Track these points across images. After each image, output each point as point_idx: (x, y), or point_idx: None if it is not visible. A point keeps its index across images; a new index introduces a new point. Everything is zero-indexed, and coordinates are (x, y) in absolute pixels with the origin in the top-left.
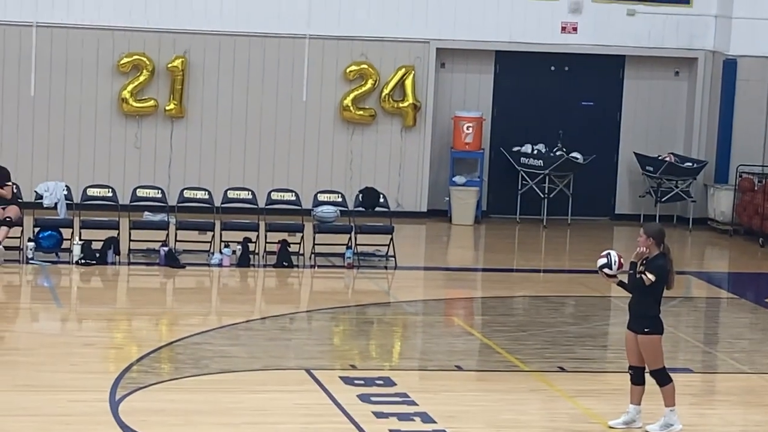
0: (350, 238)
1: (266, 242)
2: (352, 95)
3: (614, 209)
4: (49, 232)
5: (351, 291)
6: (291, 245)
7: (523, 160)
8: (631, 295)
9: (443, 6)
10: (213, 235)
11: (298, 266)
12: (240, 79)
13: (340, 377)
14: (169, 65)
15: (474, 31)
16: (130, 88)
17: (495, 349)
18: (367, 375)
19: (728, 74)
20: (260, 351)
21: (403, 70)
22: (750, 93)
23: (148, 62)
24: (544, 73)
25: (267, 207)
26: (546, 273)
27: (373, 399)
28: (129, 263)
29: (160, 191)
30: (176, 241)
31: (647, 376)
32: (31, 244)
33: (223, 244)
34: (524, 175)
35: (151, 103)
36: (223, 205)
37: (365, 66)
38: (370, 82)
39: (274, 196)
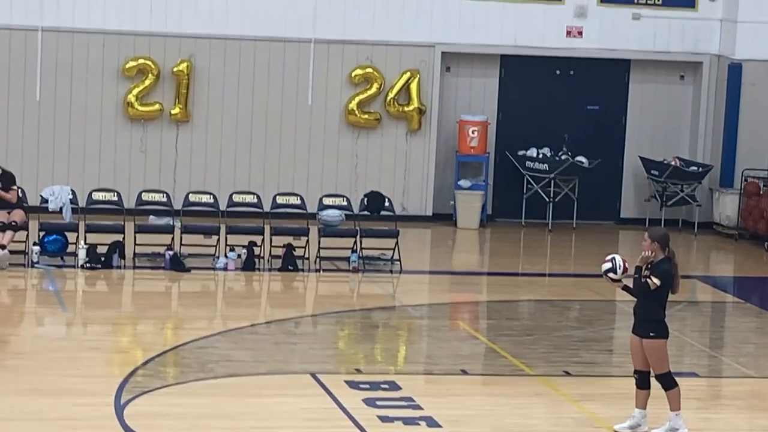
0: (355, 242)
1: (271, 246)
2: (357, 99)
3: (619, 213)
4: (55, 236)
5: (356, 295)
6: (296, 249)
7: (528, 164)
8: (636, 300)
9: (448, 10)
10: (218, 239)
11: (303, 270)
12: (245, 82)
13: (346, 381)
14: (175, 69)
15: (479, 35)
16: (135, 92)
17: (500, 353)
18: (372, 379)
19: (733, 78)
20: (265, 355)
21: (409, 74)
22: (755, 97)
23: (153, 66)
24: (550, 77)
25: (272, 211)
26: (551, 277)
27: (379, 403)
28: (134, 267)
29: (165, 195)
30: (181, 245)
31: (653, 381)
32: (37, 248)
33: (228, 248)
34: (529, 179)
35: (157, 107)
36: (228, 209)
37: (370, 70)
38: (375, 86)
39: (280, 200)
